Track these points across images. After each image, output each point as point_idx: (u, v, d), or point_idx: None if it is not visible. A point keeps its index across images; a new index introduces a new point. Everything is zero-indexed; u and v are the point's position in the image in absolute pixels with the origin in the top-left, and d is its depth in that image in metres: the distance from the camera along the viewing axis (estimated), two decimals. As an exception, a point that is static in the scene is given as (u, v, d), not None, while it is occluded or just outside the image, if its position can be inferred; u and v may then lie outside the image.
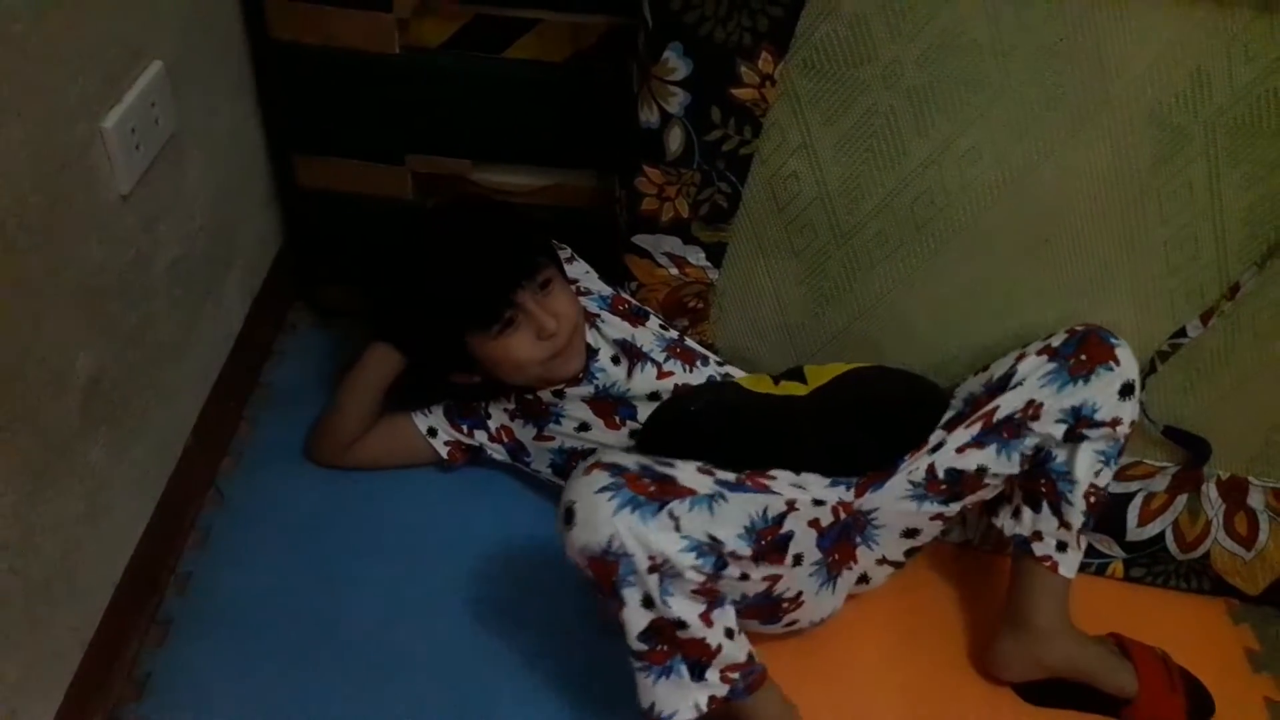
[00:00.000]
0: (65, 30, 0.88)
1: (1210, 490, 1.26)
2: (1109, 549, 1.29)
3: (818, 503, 1.09)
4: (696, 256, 1.23)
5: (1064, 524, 1.10)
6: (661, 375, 1.22)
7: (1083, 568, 1.14)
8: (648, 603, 0.93)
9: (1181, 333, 1.17)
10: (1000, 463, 1.10)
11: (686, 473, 0.99)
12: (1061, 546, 1.11)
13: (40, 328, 0.89)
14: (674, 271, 1.25)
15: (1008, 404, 1.10)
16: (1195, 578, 1.30)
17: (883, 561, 1.18)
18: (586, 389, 1.23)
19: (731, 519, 0.98)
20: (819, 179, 1.14)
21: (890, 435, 1.14)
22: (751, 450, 1.10)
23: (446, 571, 1.23)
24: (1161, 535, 1.27)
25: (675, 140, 1.12)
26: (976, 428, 1.11)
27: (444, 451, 1.31)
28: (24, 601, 0.92)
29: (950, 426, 1.14)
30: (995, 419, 1.10)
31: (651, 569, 0.91)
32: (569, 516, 0.93)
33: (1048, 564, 1.11)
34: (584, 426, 1.24)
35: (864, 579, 1.19)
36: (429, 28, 1.23)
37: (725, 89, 1.08)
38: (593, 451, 1.14)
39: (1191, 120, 1.04)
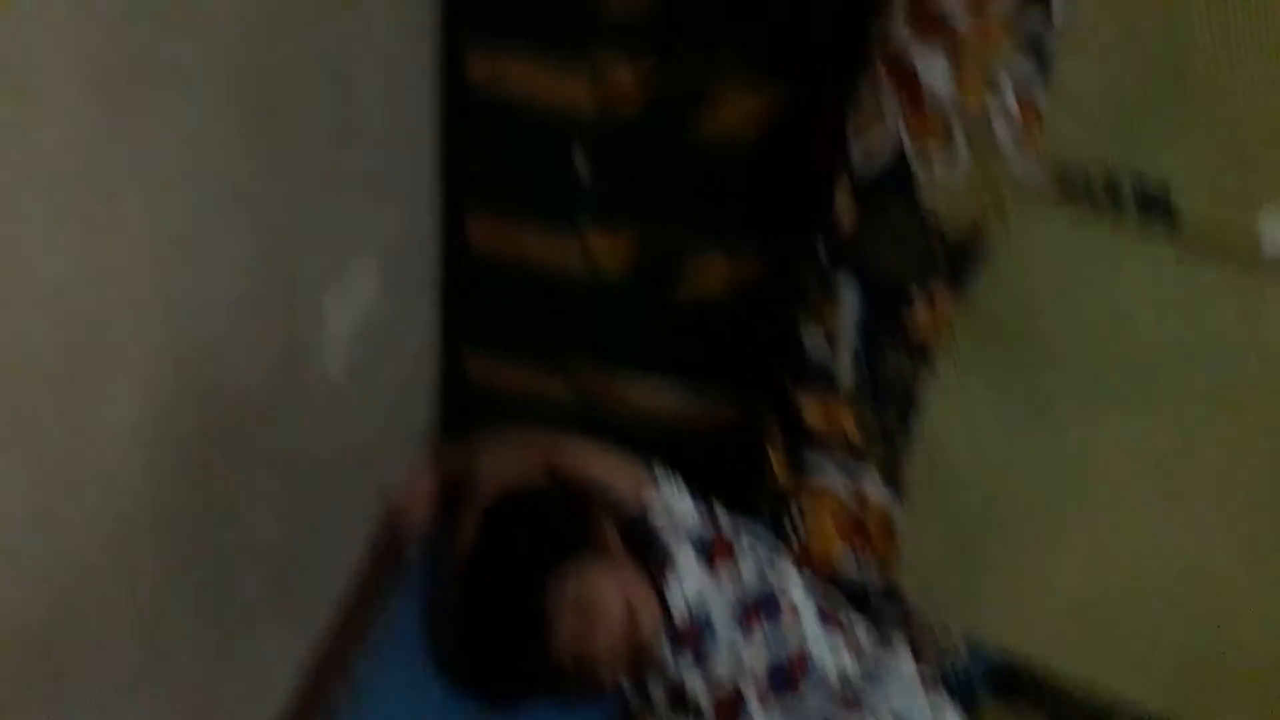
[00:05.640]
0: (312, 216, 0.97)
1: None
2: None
3: None
4: (875, 486, 1.22)
5: None
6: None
7: None
8: None
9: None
10: None
11: None
12: None
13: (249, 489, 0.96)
14: (848, 499, 1.24)
15: None
16: None
17: None
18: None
19: None
20: (974, 446, 1.16)
21: None
22: None
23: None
24: None
25: (844, 370, 1.16)
26: None
27: None
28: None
29: None
30: None
31: None
32: None
33: None
34: None
35: None
36: (608, 252, 1.33)
37: (898, 325, 1.12)
38: None
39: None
